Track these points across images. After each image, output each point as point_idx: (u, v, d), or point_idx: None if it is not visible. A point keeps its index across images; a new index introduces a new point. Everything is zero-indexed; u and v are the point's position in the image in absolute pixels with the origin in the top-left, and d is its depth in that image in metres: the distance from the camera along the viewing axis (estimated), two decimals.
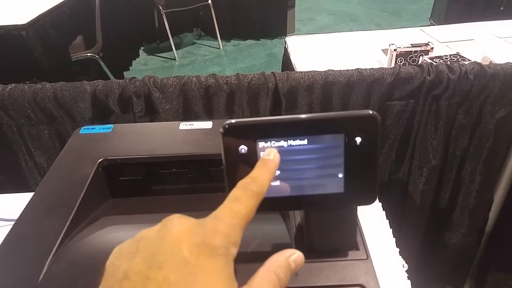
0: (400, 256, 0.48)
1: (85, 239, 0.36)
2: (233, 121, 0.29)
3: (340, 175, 0.30)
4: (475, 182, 1.01)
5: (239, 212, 0.25)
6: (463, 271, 1.20)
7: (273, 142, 0.29)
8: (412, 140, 0.97)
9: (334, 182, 0.30)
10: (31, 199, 0.41)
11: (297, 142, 0.29)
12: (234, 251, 0.24)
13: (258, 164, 0.28)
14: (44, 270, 0.32)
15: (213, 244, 0.23)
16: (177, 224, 0.24)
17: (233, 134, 0.29)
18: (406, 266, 0.48)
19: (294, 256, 0.26)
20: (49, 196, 0.41)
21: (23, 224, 0.37)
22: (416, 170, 1.00)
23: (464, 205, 1.05)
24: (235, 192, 0.26)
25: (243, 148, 0.29)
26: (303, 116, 0.29)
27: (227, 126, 0.28)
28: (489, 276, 1.20)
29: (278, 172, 0.30)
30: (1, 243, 0.35)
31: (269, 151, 0.29)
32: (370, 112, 0.28)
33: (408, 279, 0.45)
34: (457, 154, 0.98)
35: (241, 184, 0.27)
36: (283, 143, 0.29)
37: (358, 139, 0.29)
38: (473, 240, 1.11)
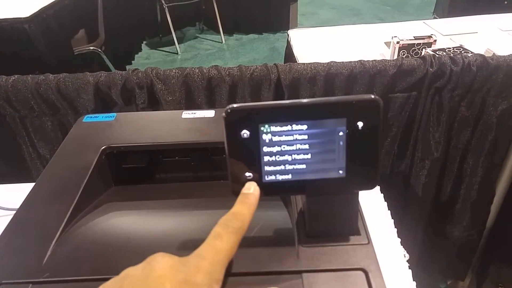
0: (402, 246, 0.48)
1: (89, 224, 0.36)
2: (235, 105, 0.29)
3: (342, 160, 0.30)
4: (477, 174, 1.00)
5: (221, 249, 0.26)
6: (464, 264, 1.21)
7: (275, 126, 0.29)
8: (414, 132, 0.97)
9: (336, 166, 0.31)
10: (34, 185, 0.41)
11: (299, 126, 0.29)
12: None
13: (238, 199, 0.29)
14: (48, 253, 0.32)
15: (196, 282, 0.23)
16: (161, 262, 0.24)
17: (235, 118, 0.29)
18: (407, 256, 0.48)
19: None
20: (52, 182, 0.41)
21: (27, 209, 0.38)
22: (418, 163, 1.00)
23: (466, 198, 1.05)
24: (216, 229, 0.27)
25: (245, 133, 0.29)
26: (305, 100, 0.29)
27: (229, 110, 0.29)
28: (490, 269, 1.20)
29: (280, 156, 0.30)
30: (5, 227, 0.36)
31: (249, 185, 0.30)
32: (372, 96, 0.29)
33: (409, 268, 0.45)
34: (459, 146, 0.98)
35: (222, 221, 0.27)
36: (285, 127, 0.29)
37: (360, 124, 0.29)
38: (474, 233, 1.11)
